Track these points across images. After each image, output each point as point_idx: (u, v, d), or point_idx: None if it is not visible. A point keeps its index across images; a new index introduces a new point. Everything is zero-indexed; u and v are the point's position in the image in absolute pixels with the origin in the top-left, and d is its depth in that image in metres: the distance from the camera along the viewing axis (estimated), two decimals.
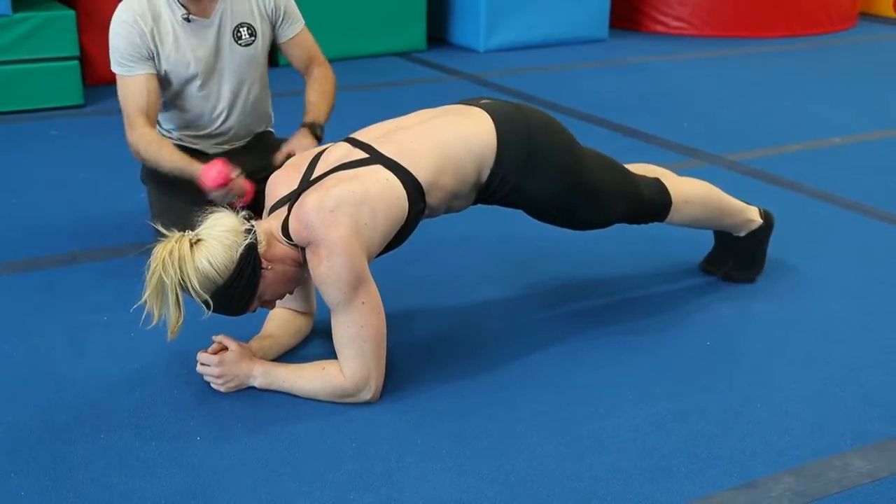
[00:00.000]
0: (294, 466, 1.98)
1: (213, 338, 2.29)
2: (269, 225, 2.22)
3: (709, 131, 4.32)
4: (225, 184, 2.62)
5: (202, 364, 2.26)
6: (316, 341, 2.48)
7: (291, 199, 2.23)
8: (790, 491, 1.91)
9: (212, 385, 2.26)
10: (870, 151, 4.08)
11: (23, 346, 2.45)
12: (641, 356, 2.44)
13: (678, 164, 3.88)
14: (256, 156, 3.03)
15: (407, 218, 2.24)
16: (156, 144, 2.80)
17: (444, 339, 2.52)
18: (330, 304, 2.16)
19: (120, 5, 2.84)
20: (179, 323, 2.08)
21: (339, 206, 2.12)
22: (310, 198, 2.17)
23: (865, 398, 2.26)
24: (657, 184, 2.57)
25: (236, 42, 2.91)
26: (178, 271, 2.03)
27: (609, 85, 5.06)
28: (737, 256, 2.82)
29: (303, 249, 2.19)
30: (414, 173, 2.23)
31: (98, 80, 4.71)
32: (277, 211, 2.25)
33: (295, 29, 3.03)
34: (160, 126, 3.02)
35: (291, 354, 2.41)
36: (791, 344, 2.51)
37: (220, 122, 2.98)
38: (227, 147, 3.05)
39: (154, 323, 2.07)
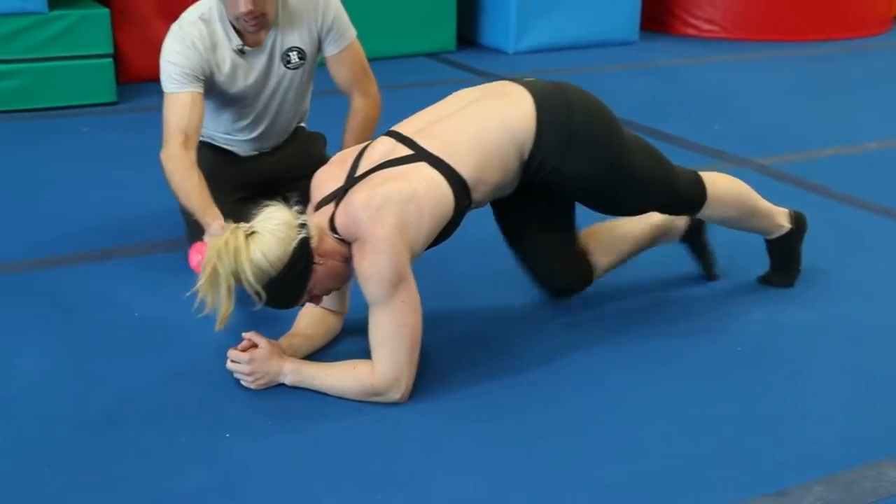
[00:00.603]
0: (322, 465, 1.99)
1: (244, 335, 2.29)
2: (318, 220, 2.22)
3: (739, 134, 4.29)
4: None
5: (233, 361, 2.26)
6: (346, 340, 2.48)
7: (338, 195, 2.24)
8: (821, 500, 1.89)
9: (242, 382, 2.26)
10: None
11: (55, 342, 2.46)
12: (672, 361, 2.43)
13: (707, 166, 3.85)
14: (286, 154, 3.05)
15: (452, 215, 2.26)
16: (182, 173, 2.66)
17: (474, 341, 2.52)
18: (370, 300, 2.16)
19: (178, 26, 2.79)
20: (229, 313, 2.10)
21: (385, 204, 2.14)
22: (357, 195, 2.18)
23: (890, 410, 2.23)
24: (694, 177, 2.56)
25: (285, 66, 2.89)
26: (232, 262, 2.04)
27: (639, 88, 5.03)
28: (772, 260, 2.81)
29: (349, 246, 2.19)
30: (458, 170, 2.24)
31: (131, 78, 4.74)
32: (324, 207, 2.25)
33: (341, 44, 2.94)
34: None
35: (321, 353, 2.41)
36: (823, 351, 2.49)
37: (259, 131, 2.98)
38: (261, 150, 3.05)
39: (205, 312, 2.08)
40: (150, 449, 2.03)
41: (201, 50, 2.74)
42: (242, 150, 3.03)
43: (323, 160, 3.09)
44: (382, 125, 4.33)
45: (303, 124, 3.18)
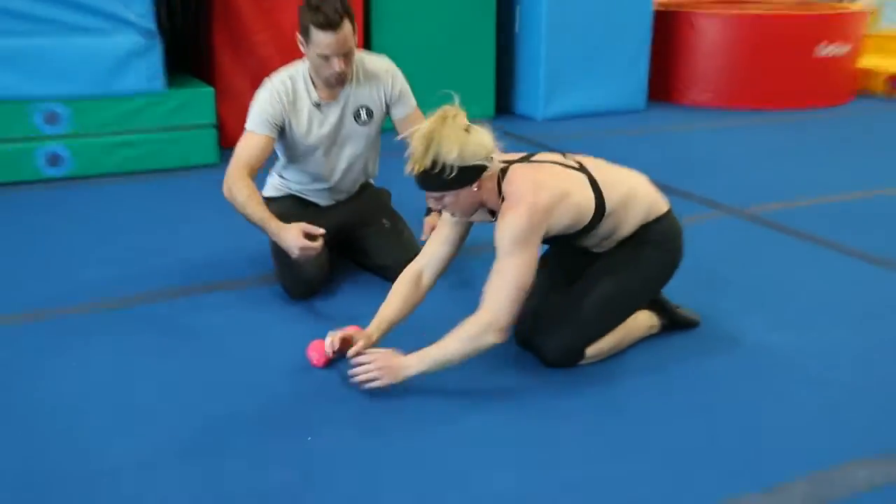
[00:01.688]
0: (395, 472, 2.00)
1: (330, 334, 2.37)
2: (496, 165, 2.22)
3: (731, 187, 4.27)
4: (327, 361, 2.45)
5: (359, 364, 2.24)
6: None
7: (516, 161, 2.29)
8: (803, 495, 1.88)
9: (368, 384, 2.21)
10: (867, 207, 3.99)
11: (171, 362, 2.51)
12: (664, 377, 2.42)
13: (704, 214, 3.86)
14: (357, 205, 3.09)
15: (579, 229, 2.31)
16: (247, 191, 2.71)
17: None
18: (499, 248, 2.18)
19: (269, 80, 2.87)
20: (420, 167, 2.12)
21: (547, 187, 2.20)
22: (528, 169, 2.26)
23: (866, 417, 2.21)
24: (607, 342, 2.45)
25: (356, 121, 2.92)
26: (447, 130, 2.09)
27: (646, 149, 5.03)
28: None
29: (499, 200, 2.22)
30: (606, 199, 2.31)
31: (230, 143, 4.68)
32: (504, 162, 2.27)
33: (406, 110, 2.99)
34: (283, 177, 3.07)
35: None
36: (799, 368, 2.47)
37: (334, 181, 3.02)
38: (335, 200, 3.10)
39: (409, 171, 2.15)
40: (243, 449, 2.06)
41: (284, 102, 2.80)
42: (321, 201, 3.08)
43: (389, 210, 3.14)
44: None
45: (371, 181, 3.22)
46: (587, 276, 2.46)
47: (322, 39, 2.66)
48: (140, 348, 2.58)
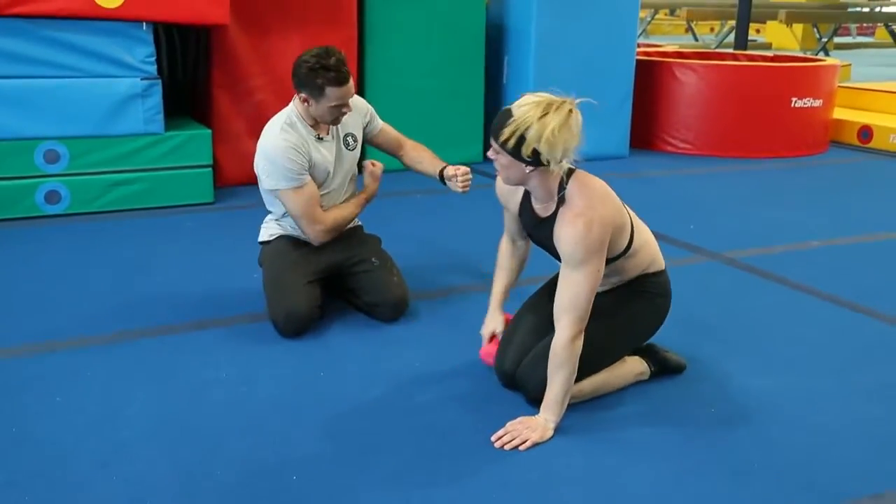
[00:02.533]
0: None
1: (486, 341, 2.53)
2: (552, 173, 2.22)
3: (710, 233, 4.26)
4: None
5: (511, 438, 2.19)
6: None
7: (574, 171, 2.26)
8: None
9: (523, 445, 2.18)
10: (841, 253, 3.98)
11: (158, 397, 2.45)
12: (659, 420, 2.37)
13: (685, 258, 3.83)
14: (347, 245, 3.06)
15: (610, 257, 2.28)
16: (336, 210, 2.96)
17: None
18: (571, 258, 2.16)
19: (272, 135, 2.85)
20: (511, 138, 2.10)
21: (613, 200, 2.25)
22: (596, 179, 2.26)
23: (852, 460, 2.16)
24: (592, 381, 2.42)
25: (346, 148, 3.01)
26: (551, 114, 2.07)
27: (629, 194, 4.90)
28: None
29: (558, 199, 2.22)
30: (634, 236, 2.34)
31: (225, 183, 4.80)
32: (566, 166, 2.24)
33: (380, 125, 3.16)
34: (278, 220, 3.05)
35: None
36: (784, 412, 2.43)
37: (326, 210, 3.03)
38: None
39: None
40: (225, 490, 1.99)
41: (302, 152, 2.86)
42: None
43: (379, 250, 3.12)
44: (420, 223, 4.37)
45: (360, 223, 3.20)
46: None
47: (336, 93, 2.78)
48: (127, 386, 2.51)
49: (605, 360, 2.42)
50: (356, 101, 3.07)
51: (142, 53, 4.29)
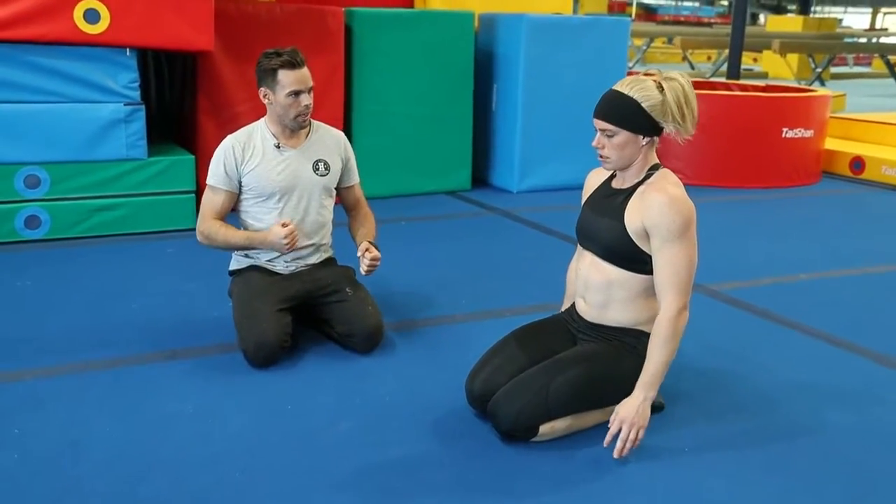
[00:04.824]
0: None
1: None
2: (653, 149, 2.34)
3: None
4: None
5: (625, 440, 2.19)
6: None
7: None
8: None
9: (634, 437, 2.20)
10: (830, 287, 3.93)
11: (120, 429, 2.40)
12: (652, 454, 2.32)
13: None
14: (320, 275, 3.02)
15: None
16: (223, 228, 2.91)
17: None
18: (668, 233, 2.19)
19: (229, 136, 2.99)
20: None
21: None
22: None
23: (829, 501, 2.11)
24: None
25: (314, 172, 2.99)
26: (670, 83, 2.24)
27: None
28: None
29: (644, 176, 2.29)
30: None
31: None
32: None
33: (353, 179, 3.15)
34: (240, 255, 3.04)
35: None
36: (757, 452, 2.37)
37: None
38: (297, 266, 3.03)
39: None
40: None
41: (237, 152, 2.92)
42: (282, 268, 3.01)
43: (353, 280, 3.07)
44: (414, 248, 4.33)
45: (332, 256, 3.16)
46: (565, 357, 2.38)
47: (289, 77, 2.81)
48: (89, 418, 2.46)
49: (584, 405, 2.36)
50: (333, 131, 3.10)
51: (125, 79, 4.27)
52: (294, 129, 2.94)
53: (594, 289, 2.40)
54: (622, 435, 2.20)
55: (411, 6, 6.01)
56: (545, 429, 2.32)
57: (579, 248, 2.53)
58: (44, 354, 2.88)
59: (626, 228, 2.27)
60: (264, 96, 2.90)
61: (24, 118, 4.13)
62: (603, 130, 2.28)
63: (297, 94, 2.84)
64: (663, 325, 2.23)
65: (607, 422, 2.45)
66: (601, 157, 2.31)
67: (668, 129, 2.26)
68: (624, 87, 2.25)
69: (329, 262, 3.12)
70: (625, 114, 2.23)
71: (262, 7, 4.94)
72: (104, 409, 2.52)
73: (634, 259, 2.30)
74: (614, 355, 2.37)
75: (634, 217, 2.26)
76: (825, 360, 3.06)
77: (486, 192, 5.85)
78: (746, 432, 2.48)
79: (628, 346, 2.38)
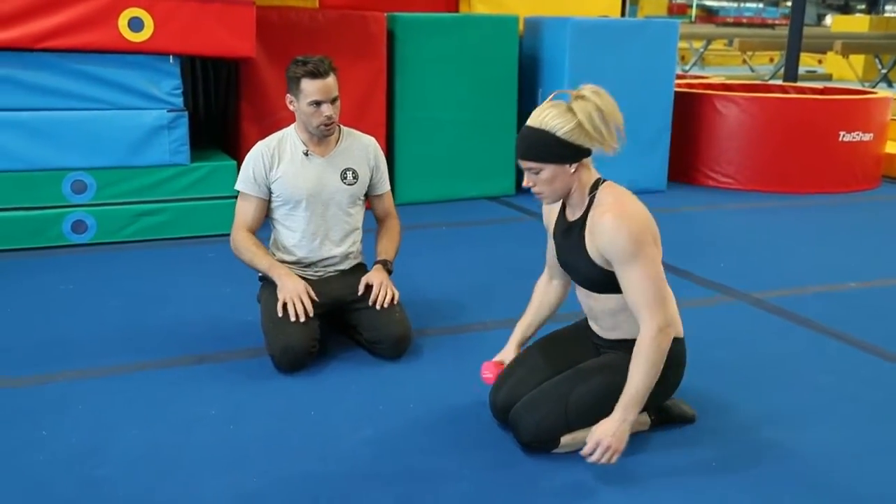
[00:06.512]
0: None
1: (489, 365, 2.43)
2: (593, 171, 2.23)
3: (741, 271, 4.10)
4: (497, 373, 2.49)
5: (592, 455, 2.11)
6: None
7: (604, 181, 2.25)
8: None
9: (606, 461, 2.11)
10: (883, 297, 3.77)
11: (143, 432, 2.43)
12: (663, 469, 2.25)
13: (708, 298, 3.69)
14: (350, 281, 3.02)
15: None
16: (253, 247, 2.95)
17: None
18: (622, 255, 2.10)
19: (260, 142, 3.05)
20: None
21: (637, 205, 2.19)
22: (619, 188, 2.23)
23: None
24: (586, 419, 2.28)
25: (342, 180, 2.99)
26: (579, 104, 2.11)
27: (662, 229, 4.81)
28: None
29: (587, 202, 2.20)
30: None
31: None
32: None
33: (383, 188, 3.13)
34: (275, 254, 3.05)
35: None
36: (790, 469, 2.28)
37: (318, 241, 3.00)
38: (326, 272, 3.03)
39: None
40: None
41: (266, 158, 2.96)
42: (311, 274, 3.03)
43: None
44: (452, 254, 4.31)
45: (363, 262, 3.16)
46: (585, 367, 2.34)
47: (311, 87, 2.82)
48: (115, 421, 2.49)
49: (603, 415, 2.30)
50: (364, 138, 3.09)
51: (168, 86, 4.35)
52: (318, 136, 2.94)
53: (600, 315, 2.36)
54: (594, 457, 2.10)
55: (455, 11, 5.99)
56: (566, 439, 2.28)
57: (550, 266, 2.50)
58: (75, 357, 2.93)
59: (593, 261, 2.21)
60: (290, 103, 2.92)
61: (71, 125, 4.23)
62: (529, 169, 2.18)
63: (318, 103, 2.84)
64: (644, 345, 2.12)
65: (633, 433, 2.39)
66: (535, 194, 2.24)
67: (593, 147, 2.14)
68: (536, 119, 2.13)
69: (359, 268, 3.11)
70: (543, 148, 2.12)
71: (304, 13, 4.97)
72: (129, 412, 2.55)
73: (619, 284, 2.24)
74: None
75: (592, 248, 2.19)
76: (873, 373, 2.93)
77: (529, 197, 5.74)
78: (778, 444, 2.39)
79: None
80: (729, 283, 3.88)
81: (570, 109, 2.11)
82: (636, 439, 2.38)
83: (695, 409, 2.53)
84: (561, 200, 2.27)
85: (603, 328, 2.38)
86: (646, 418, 2.43)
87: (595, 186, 2.22)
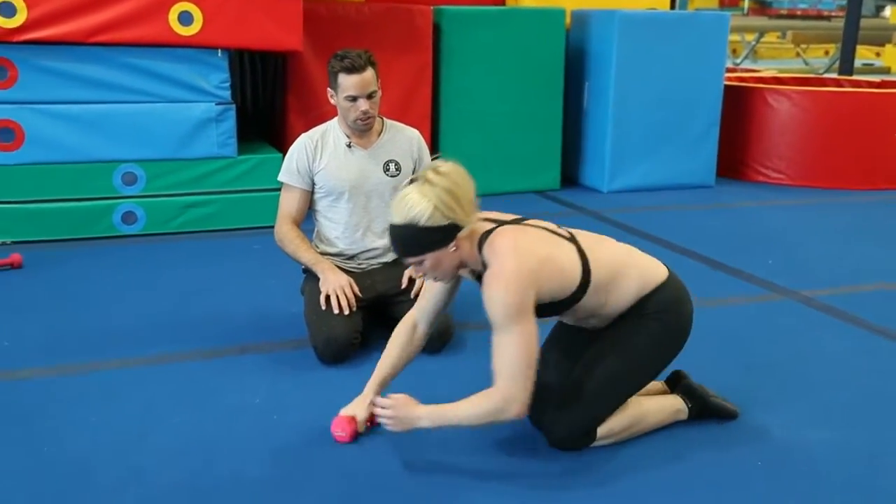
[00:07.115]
0: None
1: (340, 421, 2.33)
2: (478, 226, 2.15)
3: (791, 269, 4.02)
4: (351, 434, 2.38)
5: (380, 408, 2.21)
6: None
7: (500, 223, 2.18)
8: None
9: (386, 427, 2.20)
10: None
11: (186, 420, 2.46)
12: (697, 471, 2.21)
13: (756, 296, 3.62)
14: (393, 273, 3.02)
15: (563, 299, 2.17)
16: (297, 240, 2.99)
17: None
18: (494, 324, 2.07)
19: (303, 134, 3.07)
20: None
21: (529, 251, 2.09)
22: (512, 232, 2.15)
23: None
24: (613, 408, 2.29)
25: (385, 172, 2.99)
26: (422, 189, 2.06)
27: (710, 225, 4.82)
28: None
29: (482, 267, 2.13)
30: (592, 269, 2.18)
31: None
32: (486, 223, 2.18)
33: None
34: (318, 247, 3.07)
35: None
36: (838, 472, 2.23)
37: (359, 234, 3.01)
38: (370, 265, 3.04)
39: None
40: None
41: (309, 150, 3.00)
42: (354, 266, 3.05)
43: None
44: None
45: None
46: (590, 354, 2.32)
47: (348, 82, 2.85)
48: (160, 409, 2.53)
49: (629, 392, 2.29)
50: (408, 130, 3.08)
51: (217, 79, 4.40)
52: (357, 130, 2.96)
53: (585, 321, 2.34)
54: (380, 413, 2.20)
55: (502, 4, 5.96)
56: (603, 432, 2.26)
57: (421, 309, 2.42)
58: (123, 346, 2.99)
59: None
60: (331, 97, 2.95)
61: (122, 118, 4.31)
62: (412, 263, 2.16)
63: (354, 98, 2.86)
64: (490, 396, 2.08)
65: (669, 425, 2.37)
66: (434, 280, 2.23)
67: (461, 220, 2.07)
68: (398, 215, 2.08)
69: (398, 262, 3.11)
70: (414, 242, 2.08)
71: (351, 7, 5.00)
72: (174, 400, 2.59)
73: (558, 309, 2.22)
74: (632, 329, 2.26)
75: None
76: None
77: (575, 191, 5.76)
78: (824, 444, 2.34)
79: (638, 313, 2.26)
80: (778, 281, 3.80)
81: (425, 195, 2.05)
82: (677, 435, 2.35)
83: (738, 407, 2.48)
84: (459, 272, 2.23)
85: (594, 325, 2.35)
86: (682, 405, 2.41)
87: (483, 240, 2.13)
